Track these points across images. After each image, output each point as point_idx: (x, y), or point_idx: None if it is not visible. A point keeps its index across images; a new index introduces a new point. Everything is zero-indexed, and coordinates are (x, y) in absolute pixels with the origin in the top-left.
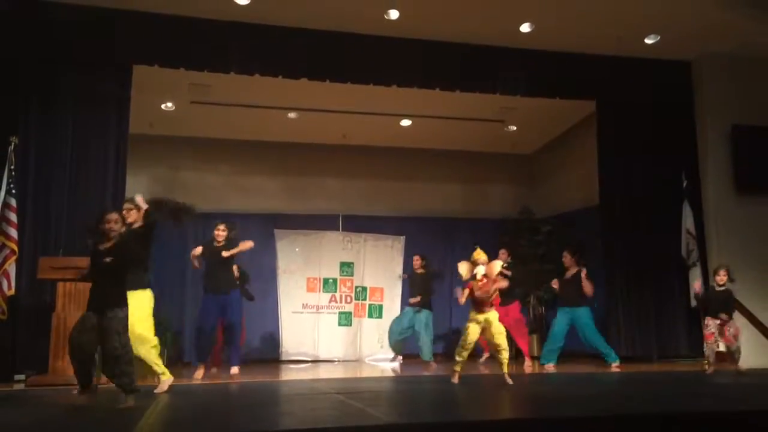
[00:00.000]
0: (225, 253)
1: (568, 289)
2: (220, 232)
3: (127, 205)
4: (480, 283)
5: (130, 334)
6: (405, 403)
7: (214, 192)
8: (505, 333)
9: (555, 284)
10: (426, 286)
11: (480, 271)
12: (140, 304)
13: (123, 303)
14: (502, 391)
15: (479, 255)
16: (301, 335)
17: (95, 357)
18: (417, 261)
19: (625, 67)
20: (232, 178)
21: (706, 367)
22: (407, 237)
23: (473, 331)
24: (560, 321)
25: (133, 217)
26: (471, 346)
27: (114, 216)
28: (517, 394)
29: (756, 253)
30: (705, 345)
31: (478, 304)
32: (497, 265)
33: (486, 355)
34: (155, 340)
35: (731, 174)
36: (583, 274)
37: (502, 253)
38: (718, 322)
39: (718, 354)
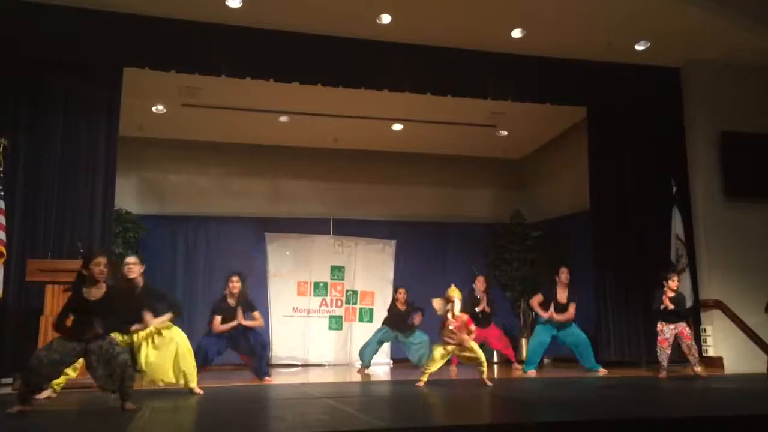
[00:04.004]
0: (243, 322)
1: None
2: (235, 284)
3: (132, 260)
4: (451, 328)
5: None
6: (395, 408)
7: (205, 195)
8: (475, 347)
9: (552, 315)
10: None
11: (456, 306)
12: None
13: (108, 334)
14: (490, 395)
15: (453, 292)
16: (291, 339)
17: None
18: (402, 295)
19: (615, 73)
20: (223, 182)
21: (663, 373)
22: (398, 241)
23: (439, 356)
24: (543, 334)
25: (136, 273)
26: (438, 366)
27: (104, 260)
28: (504, 398)
29: (744, 258)
30: (659, 351)
31: (448, 340)
32: (458, 304)
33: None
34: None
35: (720, 180)
36: (572, 308)
37: (480, 280)
38: (672, 327)
39: (707, 359)
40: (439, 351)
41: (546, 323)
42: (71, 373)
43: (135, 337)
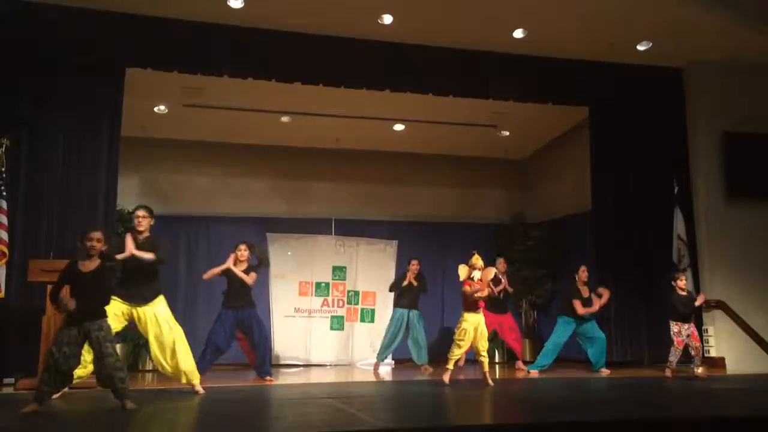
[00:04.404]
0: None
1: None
2: (243, 252)
3: (141, 213)
4: (476, 283)
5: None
6: (397, 408)
7: (207, 195)
8: (485, 335)
9: (589, 309)
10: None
11: (476, 275)
12: (169, 314)
13: (104, 314)
14: (493, 396)
15: (477, 260)
16: (293, 339)
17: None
18: (415, 266)
19: (617, 73)
20: (225, 182)
21: (669, 372)
22: (400, 241)
23: (468, 331)
24: (563, 332)
25: (144, 226)
26: (466, 345)
27: (97, 234)
28: (507, 399)
29: (746, 258)
30: (673, 351)
31: (472, 305)
32: (491, 272)
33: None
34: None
35: (722, 180)
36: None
37: (500, 262)
38: (686, 327)
39: (709, 360)
40: (467, 326)
41: (567, 319)
42: (82, 372)
43: (137, 317)
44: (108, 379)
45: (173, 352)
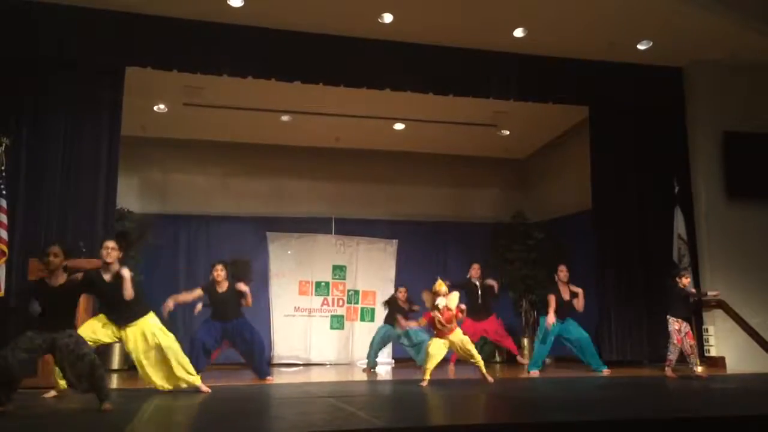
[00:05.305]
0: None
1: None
2: (219, 272)
3: (111, 244)
4: (442, 314)
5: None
6: (396, 407)
7: (207, 195)
8: (468, 341)
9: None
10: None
11: (441, 302)
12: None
13: (72, 327)
14: (493, 396)
15: (440, 286)
16: (292, 339)
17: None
18: (402, 294)
19: (617, 72)
20: (225, 181)
21: (671, 372)
22: (400, 240)
23: (434, 351)
24: (549, 332)
25: (113, 258)
26: (436, 361)
27: (54, 249)
28: (507, 398)
29: (746, 258)
30: (672, 349)
31: (440, 333)
32: (455, 297)
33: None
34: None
35: (722, 180)
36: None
37: (474, 268)
38: (684, 325)
39: (709, 359)
40: (433, 346)
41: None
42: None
43: (125, 339)
44: (87, 380)
45: (164, 361)
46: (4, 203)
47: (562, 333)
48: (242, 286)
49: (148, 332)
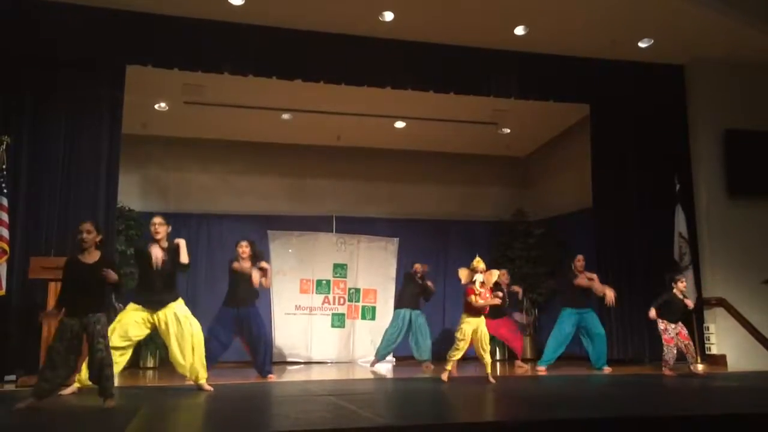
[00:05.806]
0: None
1: (578, 291)
2: (245, 249)
3: (158, 220)
4: (481, 293)
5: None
6: (398, 405)
7: (207, 193)
8: (489, 338)
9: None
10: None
11: (479, 279)
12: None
13: (103, 307)
14: (495, 393)
15: (479, 263)
16: (293, 337)
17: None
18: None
19: (618, 70)
20: (226, 179)
21: (670, 371)
22: (401, 239)
23: (467, 332)
24: (567, 323)
25: (162, 234)
26: (465, 346)
27: (86, 226)
28: (509, 396)
29: (747, 256)
30: (666, 349)
31: (474, 311)
32: (494, 274)
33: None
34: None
35: (723, 178)
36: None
37: (503, 273)
38: (673, 326)
39: (710, 357)
40: (466, 328)
41: (570, 310)
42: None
43: (158, 322)
44: (96, 372)
45: (192, 348)
46: (5, 201)
47: (585, 325)
48: (265, 264)
49: (181, 316)
